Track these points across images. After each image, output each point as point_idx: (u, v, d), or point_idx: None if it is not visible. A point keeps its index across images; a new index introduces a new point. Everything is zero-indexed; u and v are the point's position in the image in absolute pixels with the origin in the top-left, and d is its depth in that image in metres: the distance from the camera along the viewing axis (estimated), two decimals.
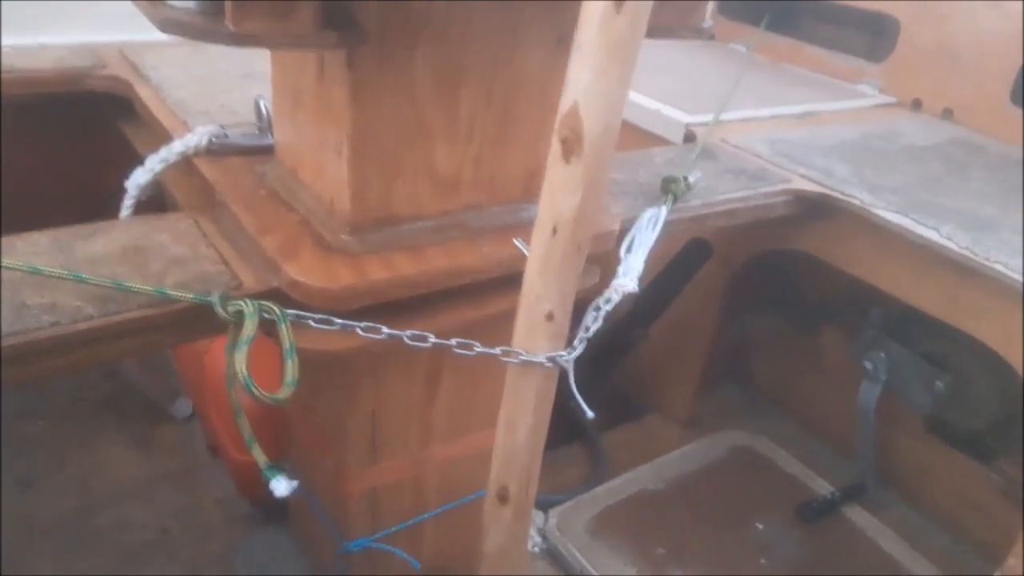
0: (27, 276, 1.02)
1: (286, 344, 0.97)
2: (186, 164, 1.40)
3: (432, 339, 1.05)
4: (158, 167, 1.35)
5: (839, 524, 2.08)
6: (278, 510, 1.79)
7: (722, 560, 1.89)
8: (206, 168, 1.34)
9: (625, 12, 0.80)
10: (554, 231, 0.91)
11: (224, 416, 1.75)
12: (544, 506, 1.95)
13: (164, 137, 1.57)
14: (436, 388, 1.42)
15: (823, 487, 2.18)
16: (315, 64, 1.14)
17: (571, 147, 0.86)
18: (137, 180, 1.35)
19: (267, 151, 1.40)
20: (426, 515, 1.54)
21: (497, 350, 1.02)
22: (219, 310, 0.98)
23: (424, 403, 1.42)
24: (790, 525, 2.05)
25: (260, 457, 1.00)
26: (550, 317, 0.97)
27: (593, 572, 1.77)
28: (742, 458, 2.24)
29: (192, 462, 1.94)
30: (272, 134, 1.42)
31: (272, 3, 0.89)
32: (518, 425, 1.06)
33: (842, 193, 1.79)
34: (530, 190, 1.31)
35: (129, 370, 2.13)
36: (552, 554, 1.86)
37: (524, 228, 1.16)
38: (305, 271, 1.11)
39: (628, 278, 1.19)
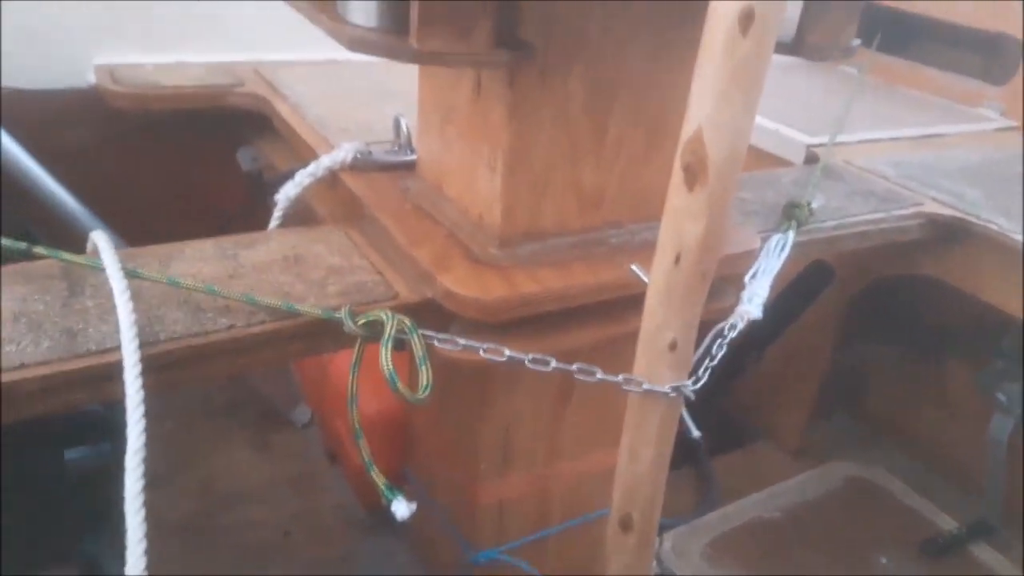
0: (201, 279, 1.08)
1: (419, 353, 0.98)
2: (330, 179, 1.45)
3: (553, 363, 1.03)
4: (307, 181, 1.40)
5: (965, 561, 1.98)
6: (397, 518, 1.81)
7: None
8: (352, 182, 1.38)
9: (751, 35, 0.76)
10: (677, 260, 0.89)
11: (348, 424, 1.79)
12: (659, 529, 1.92)
13: (302, 153, 1.63)
14: (567, 403, 1.42)
15: (945, 522, 2.08)
16: (471, 82, 1.17)
17: (695, 174, 0.84)
18: (287, 193, 1.40)
19: (408, 167, 1.44)
20: (550, 530, 1.54)
21: (619, 377, 1.01)
22: (349, 324, 1.00)
23: (554, 418, 1.43)
24: (914, 560, 1.96)
25: (379, 479, 1.01)
26: (673, 346, 0.95)
27: None
28: (860, 489, 2.17)
29: (311, 468, 1.99)
30: (412, 150, 1.46)
31: (453, 25, 0.92)
32: (640, 454, 1.05)
33: (978, 217, 1.73)
34: None
35: (251, 377, 2.21)
36: None
37: None
38: (459, 283, 1.13)
39: (753, 305, 1.17)
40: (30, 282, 1.03)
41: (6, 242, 1.02)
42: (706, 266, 0.90)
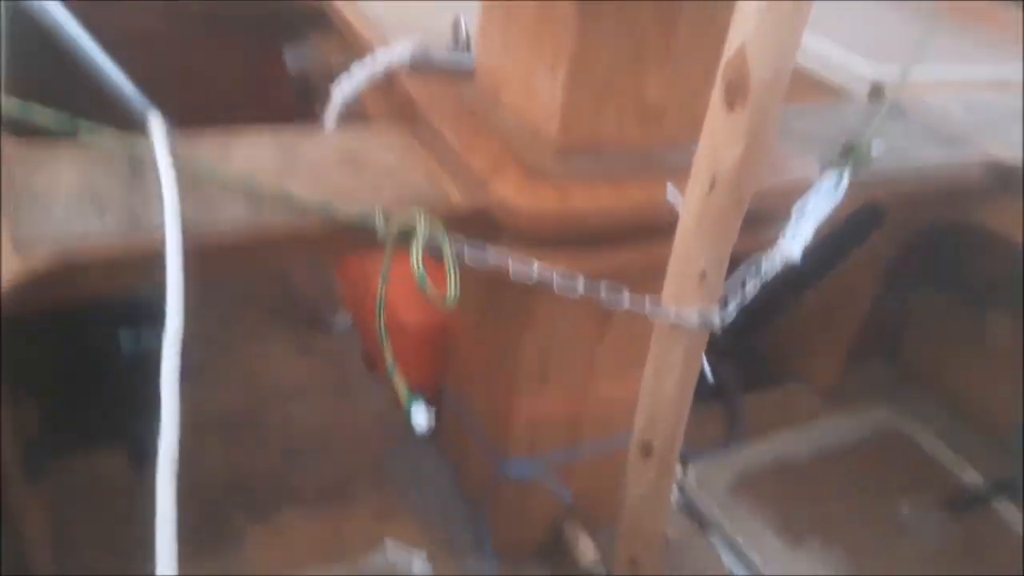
0: (258, 168, 1.08)
1: (449, 260, 0.98)
2: (386, 79, 1.43)
3: (581, 283, 1.02)
4: (363, 79, 1.38)
5: (987, 518, 1.99)
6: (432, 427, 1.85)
7: (864, 538, 1.84)
8: (410, 84, 1.36)
9: None
10: (712, 185, 0.86)
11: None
12: (683, 460, 1.94)
13: (360, 49, 1.60)
14: (608, 325, 1.42)
15: (972, 476, 2.08)
16: None
17: (735, 93, 0.80)
18: (344, 90, 1.38)
19: (466, 71, 1.41)
20: (582, 449, 1.55)
21: (646, 302, 1.00)
22: (380, 229, 0.99)
23: (594, 338, 1.43)
24: (937, 513, 1.97)
25: (401, 386, 1.02)
26: (703, 276, 0.93)
27: (731, 530, 1.76)
28: (889, 438, 2.17)
29: (350, 373, 2.02)
30: (471, 53, 1.43)
31: None
32: (664, 382, 1.04)
33: None
34: None
35: (294, 279, 2.23)
36: (689, 508, 1.85)
37: None
38: (511, 192, 1.12)
39: (795, 244, 1.11)
40: (94, 159, 1.03)
41: (55, 118, 1.01)
42: (742, 193, 0.87)
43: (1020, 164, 1.68)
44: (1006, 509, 2.00)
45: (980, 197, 1.78)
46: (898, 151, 1.61)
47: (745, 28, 0.77)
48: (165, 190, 0.94)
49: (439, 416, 1.81)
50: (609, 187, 1.18)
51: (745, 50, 0.77)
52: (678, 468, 1.93)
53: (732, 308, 0.99)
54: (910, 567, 1.80)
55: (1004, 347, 2.18)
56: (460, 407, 1.68)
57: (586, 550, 1.56)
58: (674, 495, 1.89)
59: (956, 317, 2.32)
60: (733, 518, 1.80)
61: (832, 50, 2.06)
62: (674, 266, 0.94)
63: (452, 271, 0.97)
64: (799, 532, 1.82)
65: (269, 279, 2.26)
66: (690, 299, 0.94)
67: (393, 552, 1.58)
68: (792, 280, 2.18)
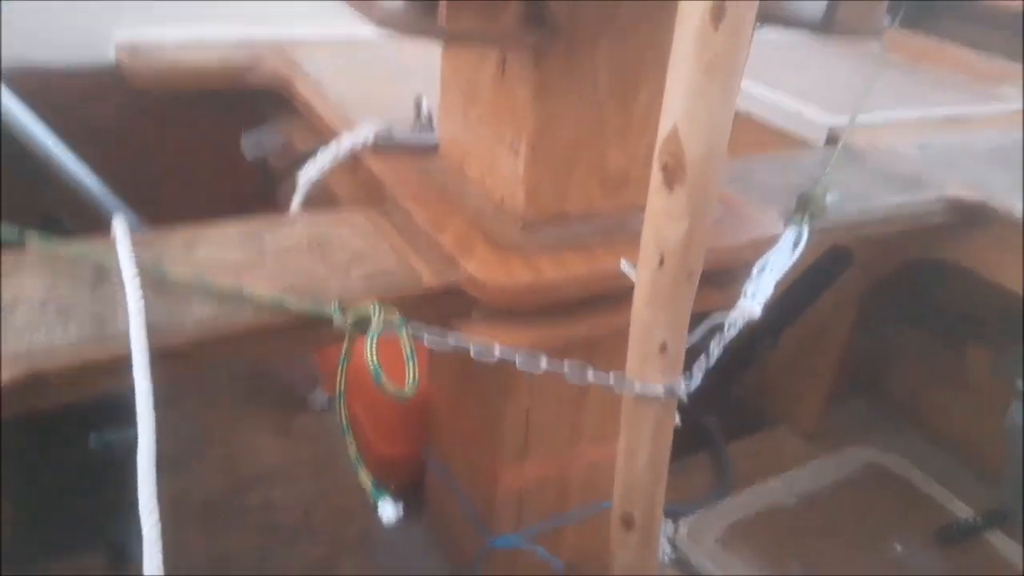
0: (226, 263, 1.08)
1: (407, 349, 0.97)
2: (351, 160, 1.44)
3: (544, 363, 1.02)
4: (328, 162, 1.39)
5: (980, 549, 1.99)
6: (414, 501, 1.82)
7: None
8: (374, 164, 1.37)
9: (724, 28, 0.73)
10: (661, 262, 0.87)
11: (366, 409, 1.79)
12: (673, 515, 1.93)
13: (322, 132, 1.62)
14: (588, 388, 1.42)
15: (961, 509, 2.08)
16: (495, 62, 1.15)
17: (673, 174, 0.81)
18: (309, 174, 1.39)
19: (429, 148, 1.43)
20: (569, 516, 1.54)
21: (610, 377, 1.01)
22: (338, 320, 0.98)
23: (576, 403, 1.42)
24: (930, 547, 1.97)
25: (366, 480, 0.99)
26: (663, 348, 0.93)
27: None
28: (876, 476, 2.17)
29: (330, 450, 2.00)
30: (434, 130, 1.44)
31: (483, 3, 0.91)
32: (637, 454, 1.04)
33: (1002, 202, 1.71)
34: None
35: (271, 362, 2.21)
36: (682, 563, 1.84)
37: None
38: (481, 268, 1.12)
39: (755, 301, 1.13)
40: (57, 266, 1.02)
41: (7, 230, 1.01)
42: (692, 266, 0.88)
43: (980, 200, 1.71)
44: (998, 539, 2.00)
45: (945, 234, 1.81)
46: (858, 196, 1.64)
47: (675, 110, 0.78)
48: (129, 299, 0.93)
49: (423, 489, 1.80)
50: (578, 255, 1.19)
51: (678, 132, 0.78)
52: (669, 524, 1.91)
53: (697, 375, 0.99)
54: None
55: (982, 379, 2.21)
56: (444, 479, 1.67)
57: None
58: (667, 552, 1.87)
59: (933, 352, 2.35)
60: (727, 570, 1.78)
61: (788, 101, 2.12)
62: (634, 340, 0.94)
63: (410, 360, 0.96)
64: None
65: (245, 360, 2.24)
66: (653, 371, 0.94)
67: None
68: (766, 326, 2.22)
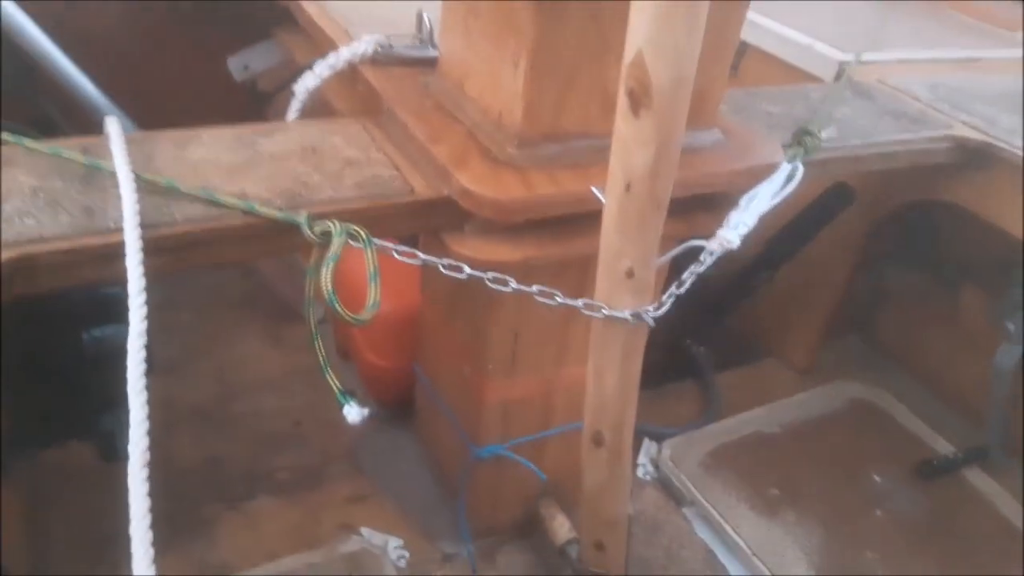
0: (218, 164, 1.08)
1: (371, 268, 0.97)
2: (349, 73, 1.42)
3: (512, 284, 1.03)
4: (326, 72, 1.38)
5: (958, 485, 2.03)
6: (405, 412, 1.86)
7: (836, 507, 1.87)
8: (372, 76, 1.36)
9: None
10: (628, 187, 0.87)
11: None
12: (658, 437, 1.97)
13: (324, 45, 1.60)
14: (573, 309, 1.43)
15: (943, 446, 2.12)
16: None
17: (638, 100, 0.80)
18: (306, 84, 1.38)
19: (429, 63, 1.41)
20: (552, 431, 1.57)
21: (579, 302, 1.01)
22: (306, 231, 0.98)
23: (563, 323, 1.44)
24: (908, 481, 2.01)
25: (333, 382, 1.01)
26: (630, 274, 0.94)
27: (706, 503, 1.79)
28: (861, 410, 2.20)
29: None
30: (435, 46, 1.42)
31: None
32: (605, 376, 1.06)
33: (1008, 143, 1.69)
34: (697, 114, 1.27)
35: (264, 271, 2.23)
36: (664, 483, 1.88)
37: (687, 154, 1.14)
38: (476, 181, 1.12)
39: (735, 233, 1.11)
40: (48, 161, 1.03)
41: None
42: (660, 194, 0.88)
43: (985, 141, 1.70)
44: (976, 476, 2.04)
45: (948, 175, 1.80)
46: (862, 131, 1.62)
47: (640, 34, 0.77)
48: (123, 189, 0.94)
49: (411, 400, 1.84)
50: (572, 173, 1.19)
51: (643, 57, 0.77)
52: (653, 446, 1.95)
53: (667, 302, 1.00)
54: (883, 534, 1.83)
55: (975, 322, 2.22)
56: (432, 392, 1.70)
57: (561, 528, 1.58)
58: (649, 471, 1.92)
59: (929, 293, 2.36)
60: (707, 492, 1.83)
61: (799, 36, 2.08)
62: (602, 265, 0.95)
63: (372, 281, 0.96)
64: (772, 503, 1.85)
65: (240, 272, 2.26)
66: (620, 296, 0.96)
67: (368, 537, 1.60)
68: (764, 258, 2.23)
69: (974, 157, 1.73)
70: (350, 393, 1.00)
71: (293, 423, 1.89)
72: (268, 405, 1.93)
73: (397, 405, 1.87)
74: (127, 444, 0.85)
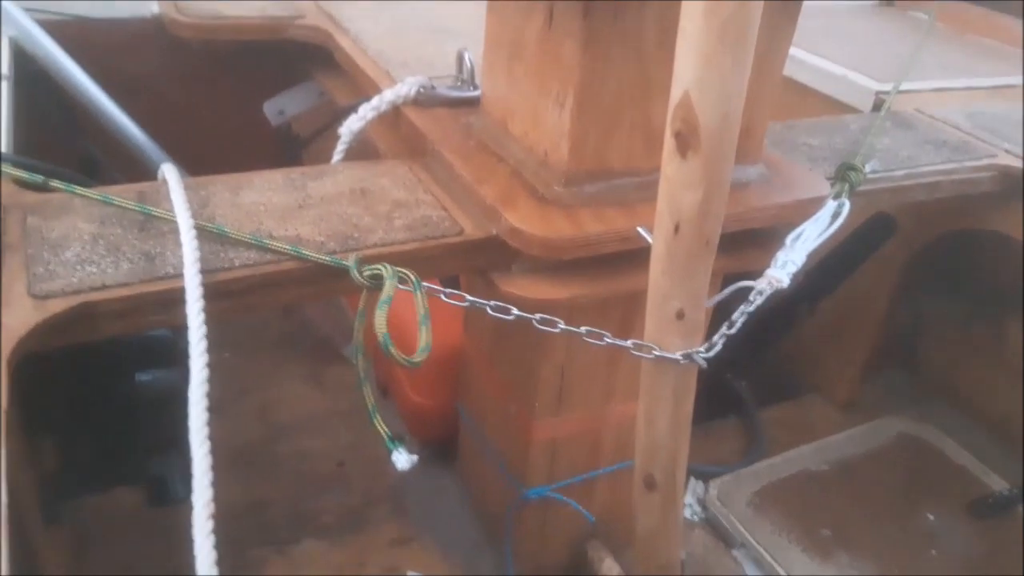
0: (271, 207, 1.09)
1: (421, 312, 0.97)
2: (392, 114, 1.44)
3: (561, 325, 1.02)
4: (370, 115, 1.40)
5: (1014, 522, 1.97)
6: (447, 451, 1.85)
7: (890, 548, 1.82)
8: (416, 118, 1.37)
9: None
10: (676, 229, 0.86)
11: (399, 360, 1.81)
12: (704, 476, 1.93)
13: (364, 87, 1.62)
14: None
15: (995, 482, 2.06)
16: (542, 14, 1.14)
17: (686, 141, 0.80)
18: (351, 127, 1.40)
19: (471, 103, 1.43)
20: (600, 471, 1.55)
21: (629, 343, 1.00)
22: (355, 275, 0.98)
23: (610, 360, 1.43)
24: (962, 518, 1.95)
25: (382, 428, 1.00)
26: (680, 315, 0.93)
27: (756, 544, 1.75)
28: (909, 446, 2.15)
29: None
30: (476, 86, 1.44)
31: None
32: (656, 418, 1.05)
33: None
34: (743, 149, 1.27)
35: (304, 310, 2.24)
36: (712, 524, 1.84)
37: (732, 190, 1.13)
38: (524, 220, 1.13)
39: (784, 271, 1.10)
40: (107, 208, 1.05)
41: (21, 170, 1.03)
42: (709, 234, 0.87)
43: None
44: None
45: (990, 203, 1.78)
46: (905, 161, 1.61)
47: (686, 75, 0.77)
48: (184, 237, 0.95)
49: (453, 439, 1.82)
50: (619, 210, 1.19)
51: (690, 98, 0.77)
52: (700, 485, 1.92)
53: (719, 342, 0.99)
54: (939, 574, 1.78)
55: (1020, 353, 2.17)
56: (477, 431, 1.69)
57: (610, 571, 1.55)
58: (697, 512, 1.89)
59: (971, 324, 2.31)
60: (757, 533, 1.79)
61: (835, 67, 2.08)
62: (651, 307, 0.94)
63: (423, 324, 0.95)
64: (824, 544, 1.80)
65: (280, 312, 2.27)
66: (670, 337, 0.95)
67: None
68: (805, 291, 2.20)
69: (1018, 186, 1.71)
70: (399, 439, 1.00)
71: (336, 464, 1.89)
72: (311, 446, 1.92)
73: (439, 444, 1.86)
74: (176, 489, 0.86)
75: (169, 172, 1.09)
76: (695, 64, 0.77)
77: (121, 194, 1.07)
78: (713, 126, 0.79)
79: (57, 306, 0.87)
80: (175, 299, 0.92)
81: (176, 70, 1.94)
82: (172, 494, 1.38)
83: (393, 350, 0.93)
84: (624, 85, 1.13)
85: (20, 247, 0.95)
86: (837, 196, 1.33)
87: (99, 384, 1.28)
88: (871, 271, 2.15)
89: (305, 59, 1.94)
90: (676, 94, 0.79)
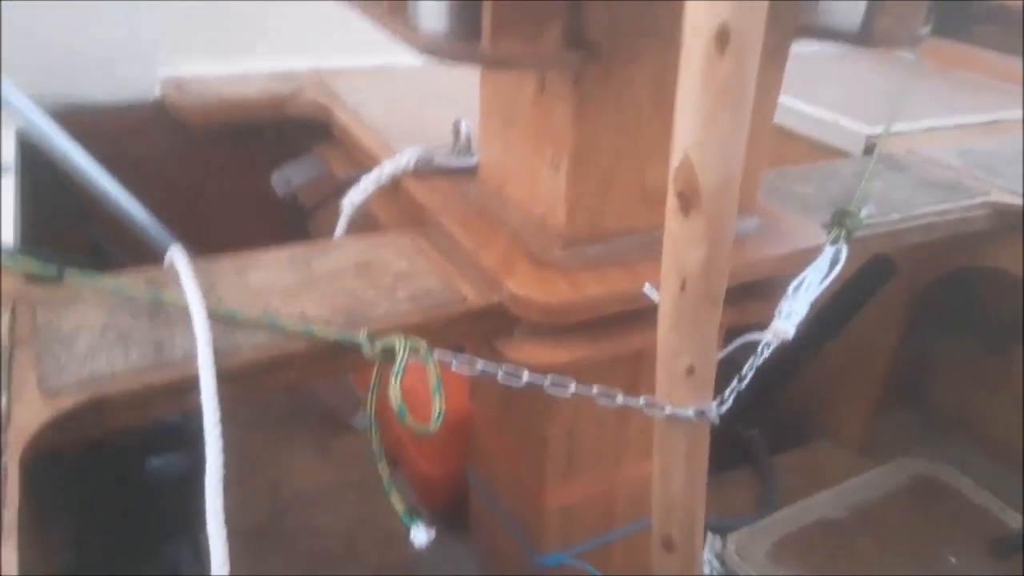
0: (277, 287, 1.10)
1: (433, 380, 0.97)
2: (392, 185, 1.46)
3: (573, 386, 1.03)
4: (371, 188, 1.41)
5: None
6: (459, 520, 1.82)
7: None
8: (416, 189, 1.39)
9: (730, 54, 0.73)
10: (683, 286, 0.87)
11: (408, 429, 1.80)
12: (720, 530, 1.90)
13: (362, 159, 1.65)
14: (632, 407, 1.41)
15: (1015, 519, 2.03)
16: (534, 82, 1.17)
17: (688, 201, 0.81)
18: (353, 199, 1.41)
19: (468, 171, 1.45)
20: (616, 533, 1.53)
21: (641, 401, 1.00)
22: (367, 349, 0.98)
23: (619, 419, 1.42)
24: (984, 558, 1.92)
25: (398, 504, 1.00)
26: (691, 372, 0.93)
27: None
28: (926, 487, 2.12)
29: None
30: (473, 154, 1.46)
31: (525, 26, 0.92)
32: (672, 477, 1.04)
33: None
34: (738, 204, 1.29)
35: (311, 384, 2.24)
36: None
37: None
38: (524, 286, 1.13)
39: (789, 323, 1.11)
40: (115, 296, 1.05)
41: (35, 263, 1.04)
42: (715, 290, 0.88)
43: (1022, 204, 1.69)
44: None
45: (988, 240, 1.79)
46: (899, 205, 1.63)
47: (686, 138, 0.78)
48: (196, 324, 0.95)
49: (463, 506, 1.80)
50: (620, 271, 1.19)
51: (690, 160, 0.78)
52: (717, 539, 1.89)
53: (730, 398, 0.99)
54: None
55: None
56: (488, 497, 1.67)
57: None
58: (715, 568, 1.85)
59: (980, 360, 2.31)
60: None
61: (825, 113, 2.12)
62: (661, 365, 0.94)
63: (436, 393, 0.95)
64: None
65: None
66: (682, 394, 0.95)
67: None
68: (808, 336, 2.20)
69: (1014, 221, 1.72)
70: (415, 513, 0.99)
71: (347, 540, 1.86)
72: (321, 521, 1.90)
73: (449, 511, 1.84)
74: (190, 573, 0.85)
75: (177, 256, 1.10)
76: (695, 125, 0.78)
77: (130, 281, 1.08)
78: (715, 185, 0.80)
79: (67, 401, 0.87)
80: (185, 387, 0.92)
81: (180, 151, 1.97)
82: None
83: (410, 419, 0.93)
84: (618, 146, 1.15)
85: (31, 341, 0.95)
86: (834, 242, 1.34)
87: (111, 473, 1.28)
88: (875, 313, 2.16)
89: (307, 132, 1.98)
90: (677, 156, 0.81)
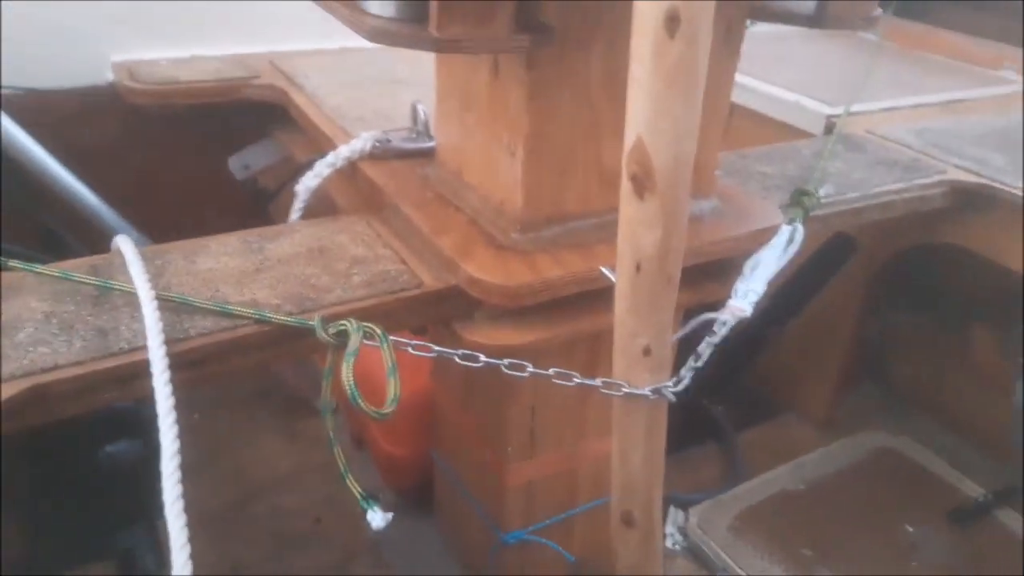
0: (227, 272, 1.09)
1: (388, 364, 0.97)
2: (349, 168, 1.45)
3: (530, 368, 1.04)
4: (326, 171, 1.40)
5: (992, 527, 1.98)
6: (425, 500, 1.83)
7: (872, 562, 1.82)
8: (372, 172, 1.38)
9: (680, 37, 0.73)
10: (638, 268, 0.88)
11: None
12: (683, 504, 1.93)
13: (321, 143, 1.63)
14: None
15: (972, 489, 2.08)
16: (488, 66, 1.16)
17: (642, 183, 0.82)
18: (307, 184, 1.40)
19: (426, 154, 1.44)
20: (578, 509, 1.55)
21: (598, 382, 1.01)
22: (321, 334, 0.98)
23: (580, 398, 1.43)
24: (941, 528, 1.96)
25: (354, 488, 0.99)
26: (647, 352, 0.95)
27: (738, 570, 1.74)
28: (886, 459, 2.16)
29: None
30: (431, 136, 1.45)
31: (474, 9, 0.91)
32: (630, 455, 1.05)
33: (1002, 183, 1.71)
34: (695, 184, 1.29)
35: (275, 366, 2.23)
36: (694, 552, 1.84)
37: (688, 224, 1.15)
38: (482, 269, 1.13)
39: (746, 301, 1.11)
40: (58, 284, 1.04)
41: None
42: (671, 271, 0.89)
43: (980, 183, 1.72)
44: (1009, 517, 2.00)
45: (946, 218, 1.82)
46: (858, 184, 1.64)
47: (638, 121, 0.78)
48: (145, 309, 0.94)
49: (429, 487, 1.81)
50: (576, 253, 1.20)
51: (643, 142, 0.79)
52: (680, 513, 1.92)
53: (687, 376, 1.00)
54: None
55: (989, 360, 2.20)
56: (453, 478, 1.68)
57: None
58: (677, 540, 1.88)
59: (940, 336, 2.35)
60: (739, 559, 1.78)
61: (785, 93, 2.13)
62: (618, 345, 0.95)
63: (391, 376, 0.95)
64: (807, 565, 1.80)
65: (250, 368, 2.25)
66: (639, 374, 0.96)
67: None
68: (772, 314, 2.22)
69: (972, 199, 1.75)
70: (373, 497, 0.99)
71: (313, 521, 1.86)
72: (287, 503, 1.90)
73: (415, 492, 1.84)
74: (146, 561, 0.85)
75: (123, 243, 1.09)
76: (646, 109, 0.78)
77: (74, 269, 1.06)
78: (667, 167, 0.81)
79: (8, 390, 0.85)
80: (132, 374, 0.91)
81: (134, 136, 1.93)
82: (142, 567, 1.35)
83: (362, 403, 0.93)
84: (573, 129, 1.15)
85: None
86: (791, 221, 1.35)
87: (62, 460, 1.26)
88: (837, 289, 2.19)
89: (264, 117, 1.95)
90: (629, 139, 0.81)
